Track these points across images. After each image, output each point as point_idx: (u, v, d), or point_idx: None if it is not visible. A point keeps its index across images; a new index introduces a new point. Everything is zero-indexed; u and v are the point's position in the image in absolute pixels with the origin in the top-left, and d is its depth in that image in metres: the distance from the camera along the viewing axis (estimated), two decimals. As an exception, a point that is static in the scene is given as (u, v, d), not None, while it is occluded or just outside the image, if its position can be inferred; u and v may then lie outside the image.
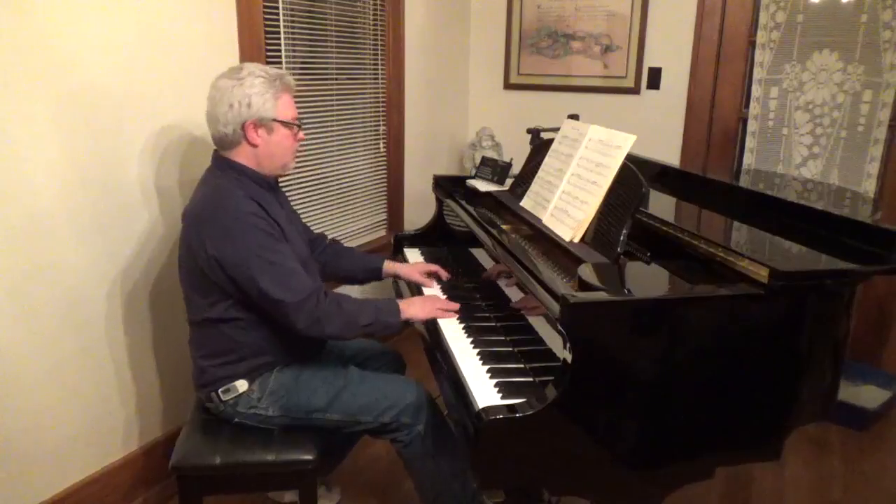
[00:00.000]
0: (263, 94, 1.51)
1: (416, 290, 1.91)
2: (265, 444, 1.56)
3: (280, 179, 1.72)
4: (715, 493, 2.11)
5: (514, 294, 1.69)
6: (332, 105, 2.61)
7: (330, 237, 2.00)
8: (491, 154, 3.24)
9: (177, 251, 1.94)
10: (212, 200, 1.50)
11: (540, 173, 1.80)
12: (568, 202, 1.59)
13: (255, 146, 1.55)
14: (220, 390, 1.57)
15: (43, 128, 1.58)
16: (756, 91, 2.81)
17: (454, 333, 1.57)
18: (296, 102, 1.62)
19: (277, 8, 2.26)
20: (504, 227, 1.80)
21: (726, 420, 1.24)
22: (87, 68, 1.65)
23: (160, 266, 1.94)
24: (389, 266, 1.94)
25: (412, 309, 1.63)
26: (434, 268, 1.92)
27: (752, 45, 2.83)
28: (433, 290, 1.89)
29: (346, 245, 2.04)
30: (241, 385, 1.57)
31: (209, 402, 1.60)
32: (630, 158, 1.47)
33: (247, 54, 2.09)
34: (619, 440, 1.20)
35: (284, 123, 1.56)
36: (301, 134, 1.63)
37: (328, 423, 1.59)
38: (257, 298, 1.48)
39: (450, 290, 1.85)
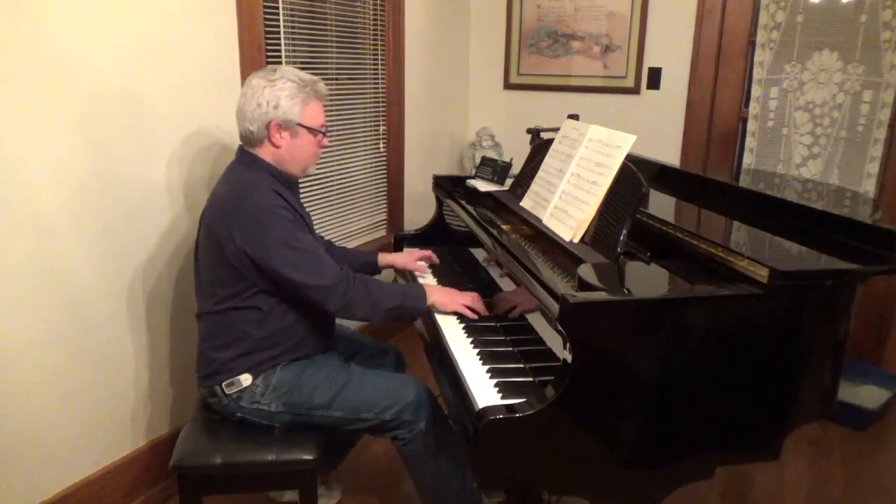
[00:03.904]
0: (293, 98, 1.55)
1: (411, 279, 1.95)
2: (265, 443, 1.56)
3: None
4: (715, 493, 2.11)
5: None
6: (332, 105, 2.61)
7: (326, 239, 2.01)
8: (491, 154, 3.24)
9: (183, 250, 1.96)
10: (238, 193, 1.53)
11: (540, 173, 1.80)
12: (568, 202, 1.59)
13: (277, 147, 1.58)
14: (223, 384, 1.58)
15: (46, 129, 1.58)
16: (756, 91, 2.82)
17: (454, 333, 1.57)
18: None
19: (277, 8, 2.26)
20: (504, 227, 1.80)
21: (726, 420, 1.24)
22: (89, 69, 1.65)
23: (165, 265, 1.94)
24: (384, 258, 1.98)
25: (436, 296, 1.66)
26: (427, 253, 2.00)
27: (752, 45, 2.83)
28: (426, 277, 1.96)
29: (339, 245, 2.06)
30: (245, 379, 1.57)
31: (212, 396, 1.60)
32: (630, 158, 1.47)
33: (247, 54, 2.09)
34: (618, 440, 1.20)
35: (309, 129, 1.59)
36: (325, 140, 1.67)
37: (330, 420, 1.60)
38: (289, 286, 1.52)
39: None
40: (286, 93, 1.54)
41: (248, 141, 1.60)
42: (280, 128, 1.56)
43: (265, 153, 1.60)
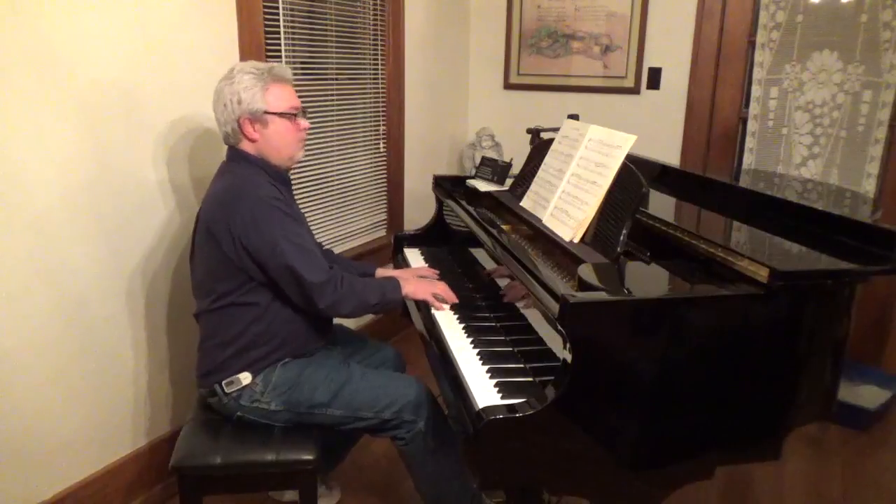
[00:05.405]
0: (251, 89, 1.55)
1: None
2: (265, 443, 1.56)
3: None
4: (715, 493, 2.11)
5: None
6: (332, 105, 2.61)
7: (324, 246, 2.00)
8: (491, 154, 3.24)
9: (181, 250, 1.96)
10: (233, 187, 1.54)
11: (540, 173, 1.80)
12: (568, 202, 1.59)
13: (253, 141, 1.59)
14: (223, 382, 1.58)
15: (45, 129, 1.58)
16: (756, 91, 2.81)
17: (454, 333, 1.57)
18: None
19: (277, 8, 2.26)
20: (504, 227, 1.80)
21: (726, 420, 1.24)
22: (88, 68, 1.65)
23: (164, 265, 1.94)
24: (382, 272, 1.95)
25: (408, 286, 1.69)
26: (425, 269, 1.94)
27: (752, 45, 2.83)
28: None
29: (336, 252, 2.06)
30: (245, 378, 1.58)
31: (212, 395, 1.60)
32: (630, 158, 1.47)
33: (247, 54, 2.09)
34: (618, 440, 1.20)
35: (279, 115, 1.58)
36: (304, 122, 1.66)
37: (330, 418, 1.60)
38: (283, 278, 1.52)
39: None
40: (243, 85, 1.55)
41: (230, 142, 1.62)
42: (250, 121, 1.57)
43: (248, 149, 1.61)
